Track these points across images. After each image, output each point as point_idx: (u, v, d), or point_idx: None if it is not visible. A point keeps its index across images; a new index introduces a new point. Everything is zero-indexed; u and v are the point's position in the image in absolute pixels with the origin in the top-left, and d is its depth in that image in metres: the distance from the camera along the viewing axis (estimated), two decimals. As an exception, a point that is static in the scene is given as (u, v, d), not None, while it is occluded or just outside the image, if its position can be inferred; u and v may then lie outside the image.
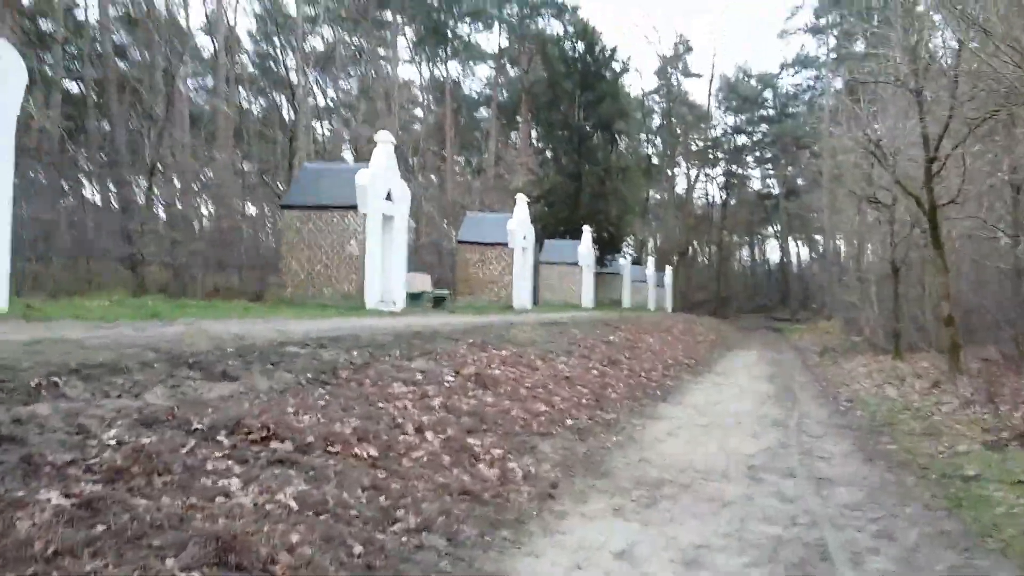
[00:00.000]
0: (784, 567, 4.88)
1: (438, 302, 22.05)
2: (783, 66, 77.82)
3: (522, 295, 25.93)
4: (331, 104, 49.43)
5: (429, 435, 6.55)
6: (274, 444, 5.20)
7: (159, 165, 22.29)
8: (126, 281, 24.66)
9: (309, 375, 7.25)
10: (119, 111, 22.41)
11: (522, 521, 5.42)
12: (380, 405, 6.99)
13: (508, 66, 59.31)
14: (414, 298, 20.84)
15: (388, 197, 16.81)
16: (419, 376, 8.55)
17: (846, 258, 45.68)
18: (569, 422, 9.02)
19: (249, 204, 32.13)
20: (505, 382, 9.79)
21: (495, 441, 7.13)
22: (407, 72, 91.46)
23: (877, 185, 20.99)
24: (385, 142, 16.81)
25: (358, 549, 4.20)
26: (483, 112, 61.21)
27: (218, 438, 5.00)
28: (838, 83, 57.70)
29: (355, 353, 8.85)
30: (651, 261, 53.50)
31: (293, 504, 4.41)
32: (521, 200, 26.35)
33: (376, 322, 12.90)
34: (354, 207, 15.88)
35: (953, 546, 5.37)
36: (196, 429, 5.00)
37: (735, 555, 5.07)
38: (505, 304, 24.78)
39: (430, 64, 59.34)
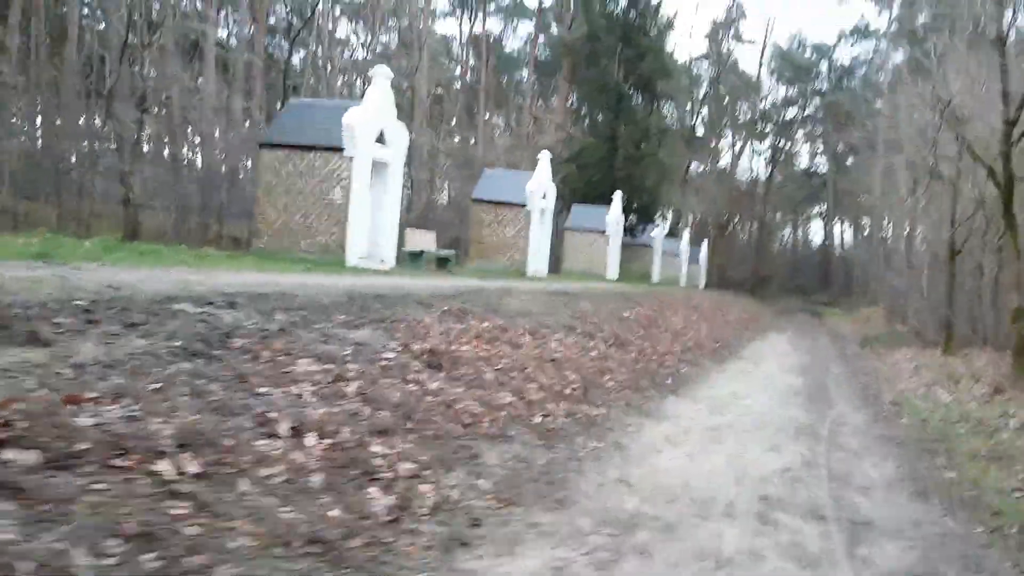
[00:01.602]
0: None
1: (441, 263, 20.19)
2: (840, 36, 74.32)
3: (538, 261, 23.94)
4: (368, 57, 47.51)
5: (310, 439, 4.69)
6: (8, 454, 3.37)
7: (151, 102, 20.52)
8: (118, 222, 23.21)
9: (177, 343, 5.42)
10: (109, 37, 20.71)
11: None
12: (262, 391, 5.15)
13: (552, 24, 56.70)
14: (414, 257, 19.00)
15: (381, 140, 14.87)
16: (348, 351, 6.69)
17: (895, 241, 42.99)
18: (538, 419, 7.11)
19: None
20: (469, 362, 7.89)
21: (414, 449, 5.26)
22: (448, 27, 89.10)
23: (940, 156, 18.61)
24: (381, 77, 14.84)
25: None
26: (525, 73, 58.82)
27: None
28: (898, 56, 54.43)
29: (278, 316, 7.02)
30: (686, 234, 51.11)
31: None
32: (544, 157, 24.23)
33: (344, 280, 11.07)
34: (340, 149, 13.98)
35: None
36: None
37: None
38: (519, 270, 22.84)
39: (471, 18, 57.16)
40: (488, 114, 45.43)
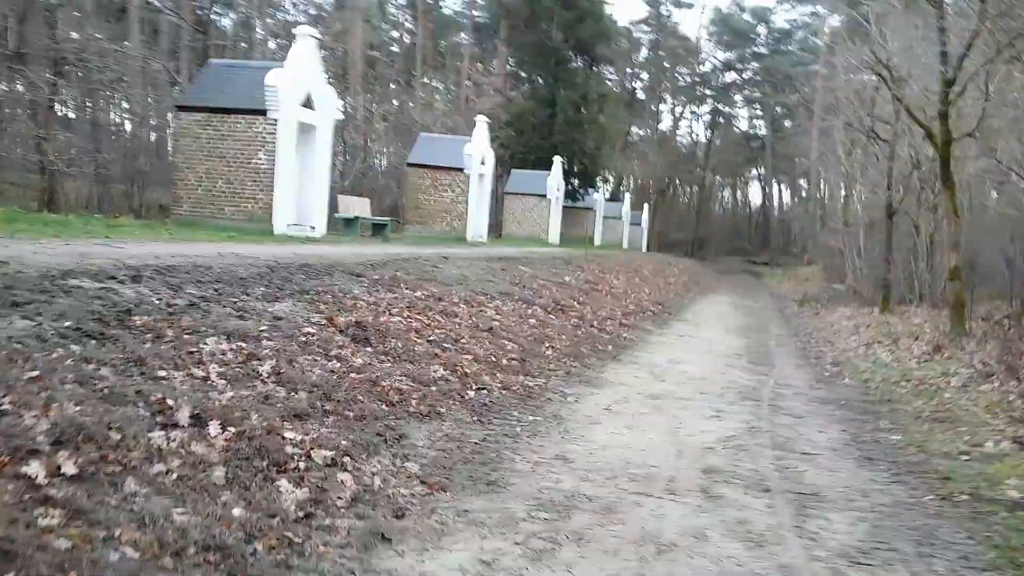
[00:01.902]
0: None
1: (377, 230, 19.62)
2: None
3: (478, 226, 23.52)
4: (302, 20, 45.89)
5: (213, 428, 4.24)
6: None
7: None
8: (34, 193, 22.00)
9: (67, 324, 4.89)
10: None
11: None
12: (161, 375, 4.67)
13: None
14: (348, 224, 18.43)
15: (308, 103, 14.19)
16: (264, 327, 6.21)
17: (832, 201, 43.52)
18: (472, 393, 6.75)
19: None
20: (399, 334, 7.48)
21: (333, 433, 4.84)
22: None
23: (877, 118, 18.61)
24: (305, 36, 14.11)
25: None
26: (463, 36, 57.63)
27: None
28: (835, 20, 54.88)
29: (188, 291, 6.50)
30: (627, 198, 51.12)
31: None
32: (481, 121, 23.69)
33: (268, 249, 10.51)
34: (263, 112, 13.29)
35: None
36: None
37: None
38: (458, 236, 22.39)
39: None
40: (426, 78, 44.36)
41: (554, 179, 32.19)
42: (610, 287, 18.31)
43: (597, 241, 40.49)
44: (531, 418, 6.57)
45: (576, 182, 38.76)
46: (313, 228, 14.65)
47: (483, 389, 6.95)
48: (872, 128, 18.65)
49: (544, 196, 31.78)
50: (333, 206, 18.68)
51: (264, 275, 8.08)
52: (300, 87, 13.84)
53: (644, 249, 49.89)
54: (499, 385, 7.26)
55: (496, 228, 33.98)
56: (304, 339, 6.32)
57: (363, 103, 30.92)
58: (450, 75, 49.13)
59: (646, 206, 56.18)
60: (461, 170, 22.70)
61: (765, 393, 9.06)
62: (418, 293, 9.75)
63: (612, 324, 13.41)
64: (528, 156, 35.76)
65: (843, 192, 32.66)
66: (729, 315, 20.50)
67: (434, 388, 6.44)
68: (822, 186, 52.76)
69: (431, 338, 7.93)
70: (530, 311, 11.43)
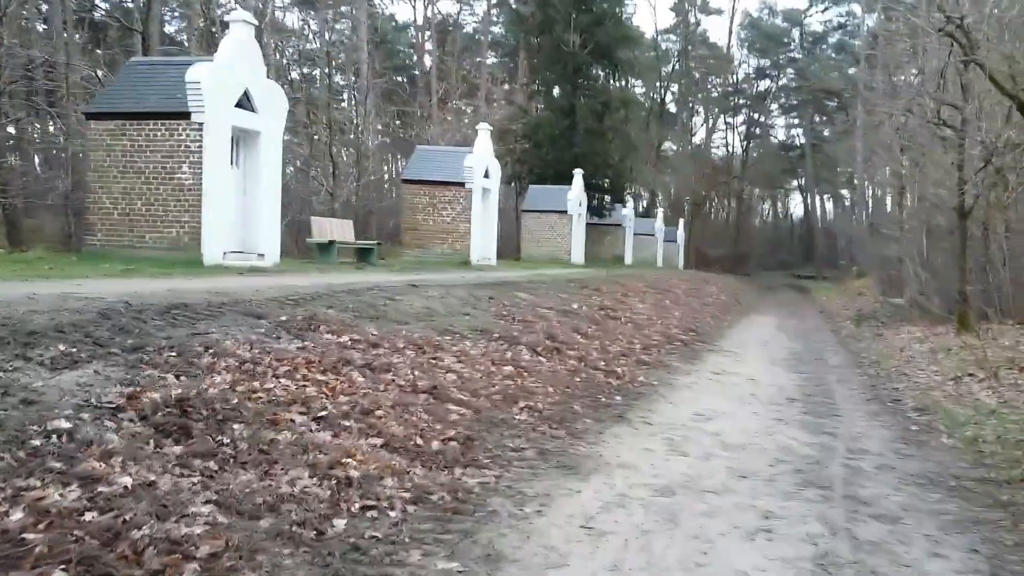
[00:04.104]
0: None
1: (362, 256, 17.07)
2: (812, 1, 71.14)
3: (484, 247, 20.88)
4: (316, 45, 43.90)
5: None
6: None
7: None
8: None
9: None
10: None
11: None
12: None
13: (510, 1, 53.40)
14: (323, 249, 15.89)
15: (247, 104, 11.70)
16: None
17: (881, 206, 40.24)
18: (341, 524, 4.00)
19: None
20: (258, 414, 4.81)
21: None
22: (404, 12, 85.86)
23: (941, 100, 15.60)
24: (240, 23, 11.61)
25: None
26: (482, 51, 55.46)
27: None
28: (871, 20, 51.75)
29: None
30: (660, 213, 48.20)
31: None
32: (483, 130, 21.11)
33: (154, 285, 7.95)
34: (187, 114, 10.80)
35: None
36: None
37: None
38: (461, 259, 19.77)
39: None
40: (440, 92, 42.03)
41: (575, 194, 29.50)
42: (631, 313, 15.49)
43: (628, 260, 37.61)
44: (440, 567, 3.80)
45: (602, 197, 36.01)
46: (262, 256, 12.10)
47: (371, 508, 4.21)
48: (938, 113, 15.63)
49: (565, 212, 29.10)
50: (306, 230, 16.21)
51: (85, 324, 5.51)
52: (233, 84, 11.35)
53: (680, 267, 46.85)
54: (407, 494, 4.50)
55: (514, 249, 31.36)
56: (55, 439, 3.68)
57: (361, 114, 28.43)
58: (459, 85, 46.83)
59: (681, 221, 53.09)
60: (463, 185, 20.14)
61: (835, 471, 6.19)
62: (344, 338, 7.10)
63: (626, 363, 10.60)
64: (547, 171, 33.15)
65: (896, 195, 29.40)
66: (775, 340, 17.51)
67: (267, 522, 3.73)
68: (869, 190, 49.38)
69: (322, 414, 5.23)
70: (510, 354, 8.68)
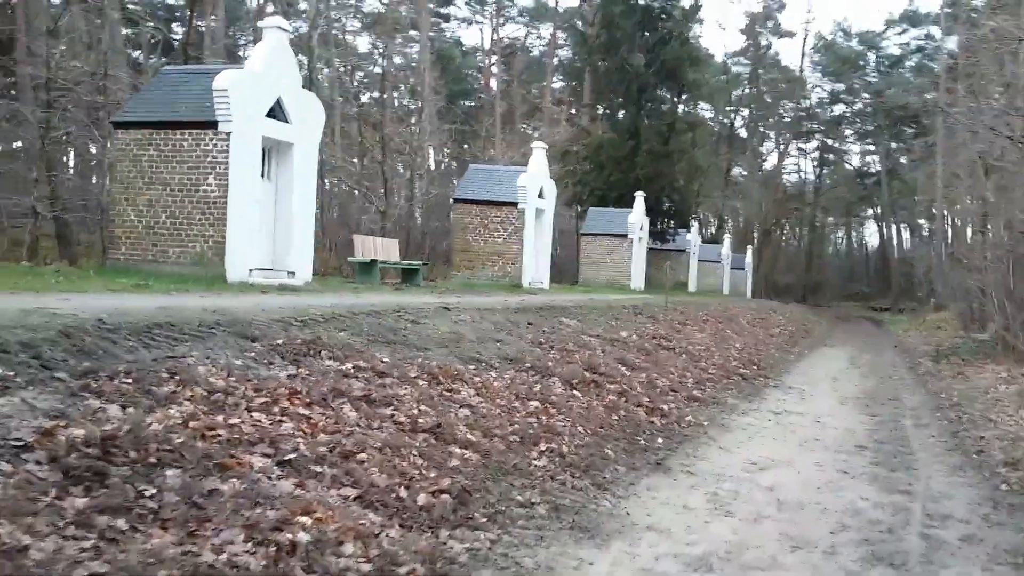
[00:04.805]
0: None
1: (408, 276, 16.41)
2: (888, 23, 68.83)
3: (537, 270, 20.05)
4: (391, 72, 44.03)
5: None
6: None
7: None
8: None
9: None
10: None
11: None
12: None
13: (577, 23, 53.00)
14: (365, 269, 15.27)
15: (278, 114, 11.15)
16: None
17: (961, 236, 38.07)
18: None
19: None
20: (207, 458, 4.05)
21: None
22: (472, 36, 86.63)
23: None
24: (274, 30, 11.10)
25: None
26: (557, 80, 55.10)
27: None
28: (950, 43, 49.57)
29: None
30: (727, 239, 46.73)
31: None
32: (538, 148, 20.36)
33: (154, 301, 7.33)
34: (213, 124, 10.29)
35: None
36: None
37: None
38: (513, 282, 18.97)
39: (493, 23, 54.20)
40: (502, 112, 41.53)
41: (636, 217, 28.47)
42: (687, 343, 14.43)
43: (692, 287, 36.32)
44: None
45: (666, 221, 34.88)
46: (292, 274, 11.48)
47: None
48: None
49: (624, 236, 28.09)
50: (349, 248, 15.66)
51: (38, 344, 4.87)
52: (264, 92, 10.81)
53: (748, 295, 45.24)
54: (366, 567, 3.65)
55: (573, 274, 30.46)
56: None
57: (417, 133, 28.01)
58: (521, 106, 46.36)
59: (750, 248, 51.42)
60: (516, 205, 19.39)
61: (910, 543, 5.13)
62: (347, 365, 6.33)
63: (674, 399, 9.60)
64: (610, 193, 32.21)
65: (980, 221, 27.58)
66: (846, 376, 16.19)
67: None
68: (948, 219, 47.01)
69: (291, 456, 4.44)
70: (539, 387, 7.79)
